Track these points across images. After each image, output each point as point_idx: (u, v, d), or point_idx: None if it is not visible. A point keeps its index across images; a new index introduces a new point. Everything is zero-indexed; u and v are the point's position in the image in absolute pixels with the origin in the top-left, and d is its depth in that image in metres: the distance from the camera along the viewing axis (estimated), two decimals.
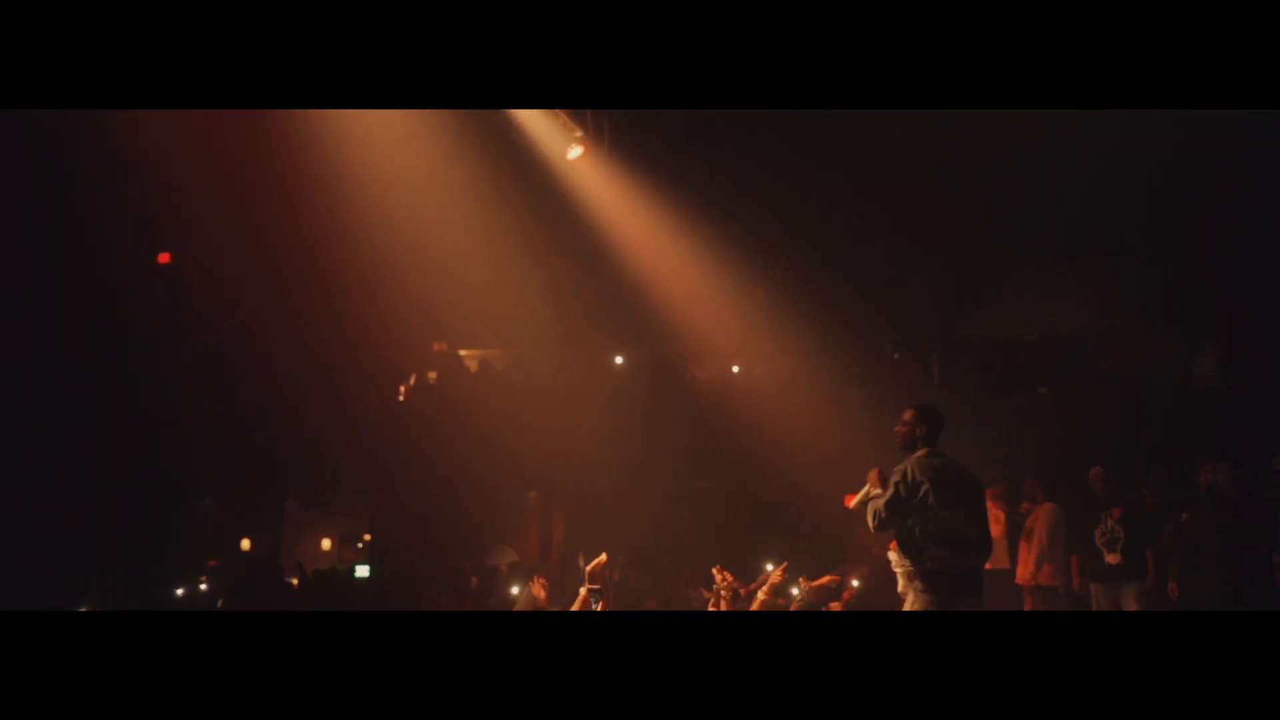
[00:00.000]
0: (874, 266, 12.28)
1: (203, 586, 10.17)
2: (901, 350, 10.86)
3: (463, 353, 13.51)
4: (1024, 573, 9.16)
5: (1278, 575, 7.01)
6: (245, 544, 12.73)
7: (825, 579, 6.79)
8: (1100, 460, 8.55)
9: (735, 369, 13.12)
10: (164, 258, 12.88)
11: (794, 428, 10.78)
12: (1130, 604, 7.95)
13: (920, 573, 5.29)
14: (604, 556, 5.52)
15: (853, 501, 5.64)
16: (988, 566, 9.49)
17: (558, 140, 10.77)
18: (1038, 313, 12.63)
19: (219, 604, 9.50)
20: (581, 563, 10.46)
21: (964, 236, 12.31)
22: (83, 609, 8.51)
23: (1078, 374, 11.77)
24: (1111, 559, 8.01)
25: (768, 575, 5.84)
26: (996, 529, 9.62)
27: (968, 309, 12.80)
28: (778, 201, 12.54)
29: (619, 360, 13.46)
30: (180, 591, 9.86)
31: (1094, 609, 8.18)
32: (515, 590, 8.26)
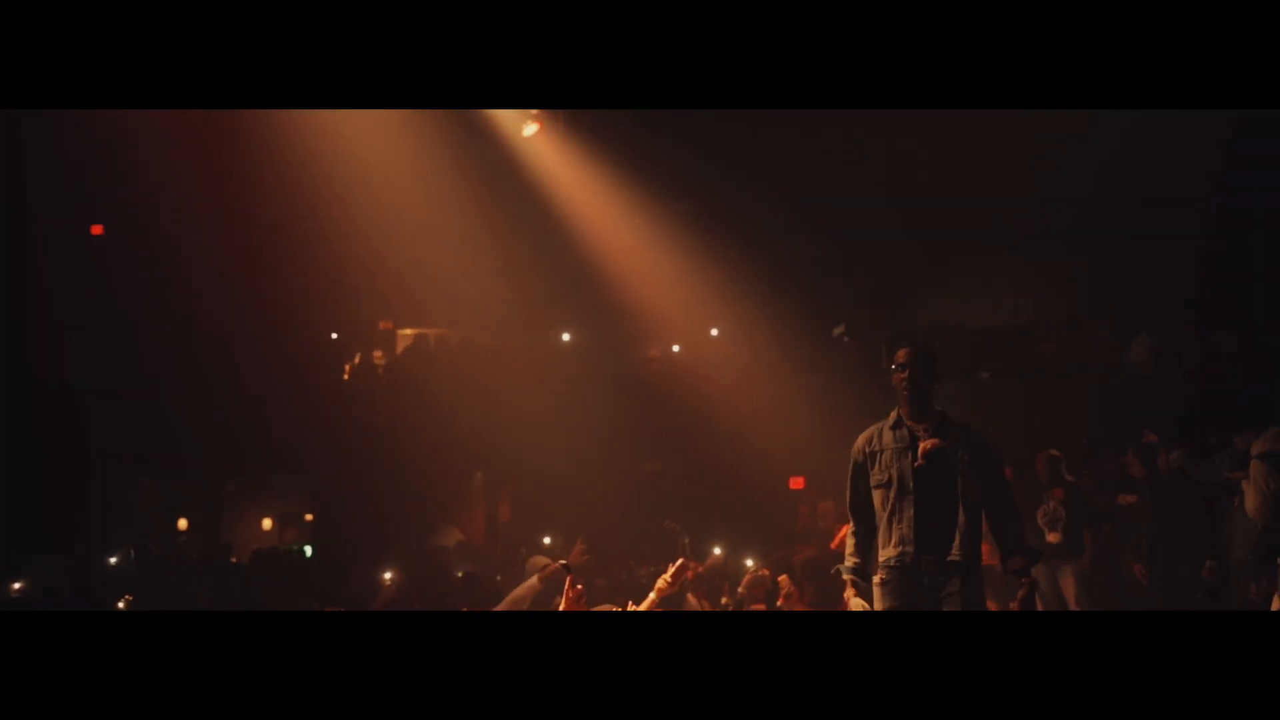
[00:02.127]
0: (825, 251, 12.40)
1: (112, 560, 9.88)
2: (850, 334, 10.99)
3: (410, 331, 13.37)
4: None
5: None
6: (182, 523, 12.47)
7: (763, 572, 6.82)
8: (1042, 444, 8.80)
9: (676, 348, 13.14)
10: (97, 229, 12.50)
11: (743, 410, 10.87)
12: (1068, 582, 8.22)
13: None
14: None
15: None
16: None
17: (513, 117, 10.69)
18: (979, 299, 12.90)
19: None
20: (545, 542, 10.44)
21: (911, 224, 12.47)
22: (15, 585, 8.29)
23: (1019, 359, 12.07)
24: (1052, 538, 8.26)
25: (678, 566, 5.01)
26: None
27: (914, 295, 13.01)
28: (734, 182, 12.58)
29: (565, 338, 13.39)
30: (113, 560, 9.63)
31: None
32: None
